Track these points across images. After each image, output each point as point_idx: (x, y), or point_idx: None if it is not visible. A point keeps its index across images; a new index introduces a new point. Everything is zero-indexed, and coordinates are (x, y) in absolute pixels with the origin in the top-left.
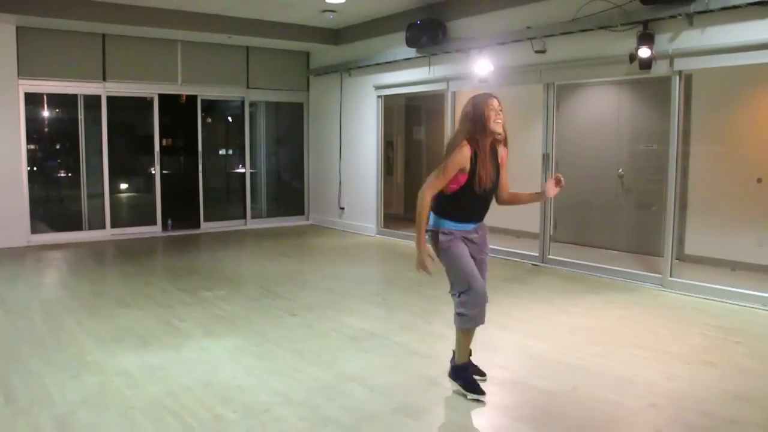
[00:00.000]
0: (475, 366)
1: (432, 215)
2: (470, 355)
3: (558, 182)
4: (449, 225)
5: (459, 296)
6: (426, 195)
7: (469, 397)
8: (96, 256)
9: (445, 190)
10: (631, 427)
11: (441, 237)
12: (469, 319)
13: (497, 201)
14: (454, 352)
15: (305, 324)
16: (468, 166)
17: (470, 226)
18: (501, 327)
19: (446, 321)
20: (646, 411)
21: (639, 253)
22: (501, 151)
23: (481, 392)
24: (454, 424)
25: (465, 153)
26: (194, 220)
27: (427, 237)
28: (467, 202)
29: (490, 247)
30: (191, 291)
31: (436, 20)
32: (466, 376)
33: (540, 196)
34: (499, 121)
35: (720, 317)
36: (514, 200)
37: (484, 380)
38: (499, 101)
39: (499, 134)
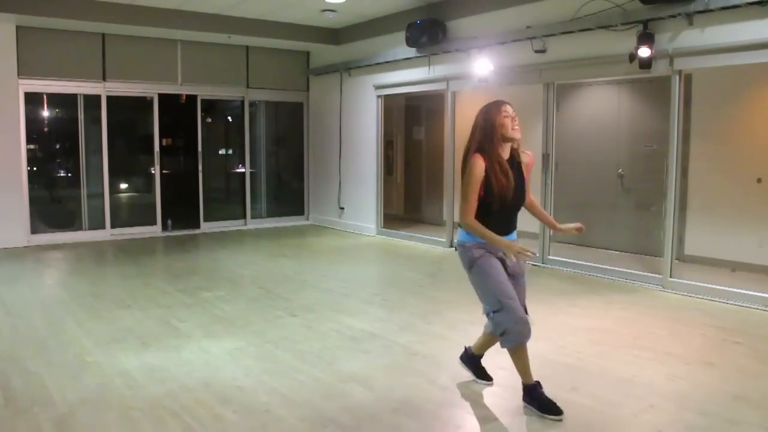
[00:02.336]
0: (483, 369)
1: (460, 231)
2: (481, 357)
3: (579, 230)
4: (478, 239)
5: (492, 315)
6: (468, 219)
7: (548, 418)
8: (96, 256)
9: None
10: (631, 427)
11: (473, 250)
12: (512, 337)
13: (530, 210)
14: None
15: (305, 324)
16: (482, 178)
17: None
18: None
19: (446, 322)
20: (646, 411)
21: (639, 254)
22: (525, 158)
23: (558, 412)
24: (453, 424)
25: (480, 166)
26: (194, 220)
27: (459, 251)
28: (489, 214)
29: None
30: (191, 291)
31: (436, 20)
32: (539, 396)
33: (554, 225)
34: (517, 127)
35: (720, 318)
36: (533, 209)
37: (491, 385)
38: (512, 107)
39: (517, 140)
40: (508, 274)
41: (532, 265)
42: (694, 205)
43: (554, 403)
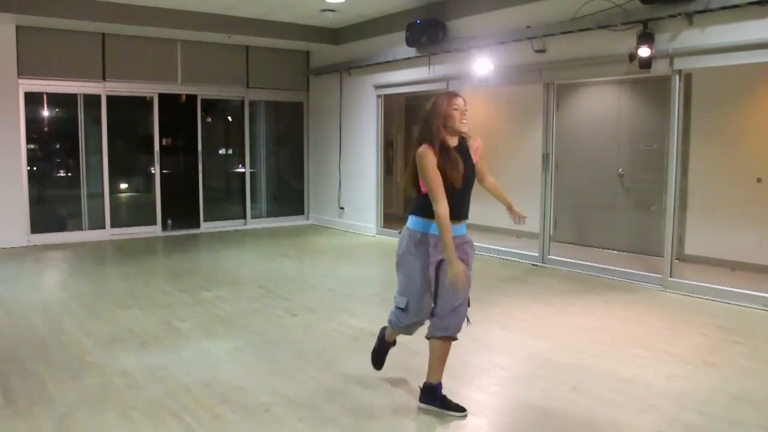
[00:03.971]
0: (450, 401)
1: (412, 217)
2: (394, 344)
3: (519, 217)
4: (422, 226)
5: (395, 308)
6: (441, 208)
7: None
8: (96, 256)
9: (418, 192)
10: (632, 427)
11: (415, 245)
12: (396, 328)
13: (481, 185)
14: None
15: (305, 324)
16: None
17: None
18: (501, 327)
19: None
20: (646, 411)
21: (639, 253)
22: (473, 143)
23: (462, 409)
24: (454, 424)
25: (430, 157)
26: (194, 220)
27: (403, 232)
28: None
29: (490, 247)
30: (191, 291)
31: (436, 20)
32: (441, 396)
33: (509, 206)
34: (465, 120)
35: (720, 317)
36: (493, 190)
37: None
38: (464, 100)
39: (465, 133)
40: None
41: (532, 265)
42: (694, 205)
43: (456, 403)
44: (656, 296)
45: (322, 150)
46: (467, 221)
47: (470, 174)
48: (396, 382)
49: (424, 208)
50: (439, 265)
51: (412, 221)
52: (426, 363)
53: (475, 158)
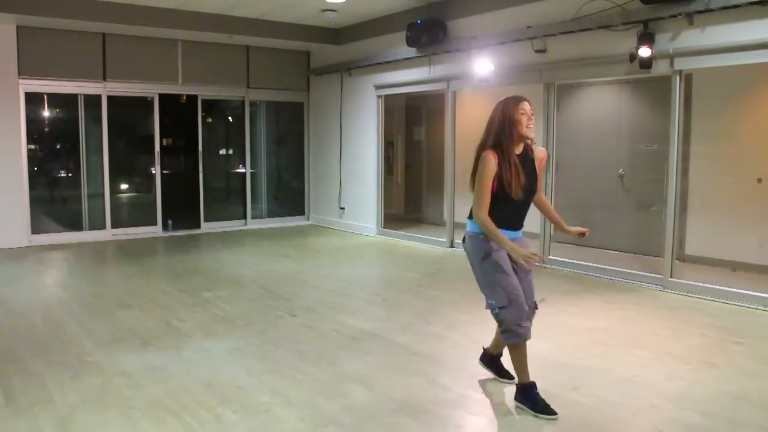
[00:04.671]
0: (504, 368)
1: (470, 222)
2: (500, 356)
3: (582, 235)
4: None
5: (498, 311)
6: (482, 215)
7: (542, 417)
8: (96, 256)
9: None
10: (632, 427)
11: (489, 242)
12: (514, 335)
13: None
14: (486, 350)
15: (305, 324)
16: (496, 174)
17: (508, 235)
18: None
19: (446, 322)
20: (647, 411)
21: (639, 254)
22: (538, 153)
23: (552, 412)
24: (454, 424)
25: (491, 164)
26: (195, 221)
27: (464, 242)
28: (499, 210)
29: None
30: (192, 291)
31: (436, 20)
32: (534, 396)
33: (561, 225)
34: (532, 126)
35: (720, 318)
36: (542, 207)
37: (513, 382)
38: (530, 104)
39: (530, 139)
40: (515, 270)
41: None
42: (695, 205)
43: (548, 405)
44: (656, 296)
45: (322, 150)
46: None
47: (532, 185)
48: (396, 382)
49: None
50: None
51: (471, 225)
52: (426, 363)
53: (539, 169)
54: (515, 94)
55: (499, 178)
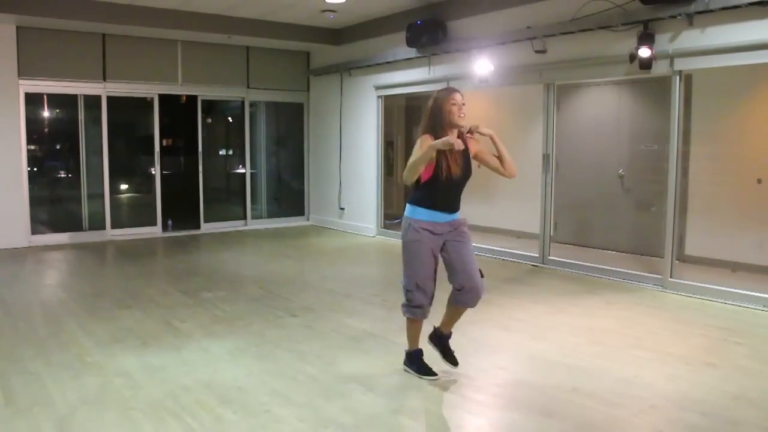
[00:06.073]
0: (450, 351)
1: (408, 205)
2: (449, 336)
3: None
4: (422, 214)
5: (405, 291)
6: (406, 173)
7: (424, 378)
8: (96, 256)
9: (418, 181)
10: (632, 427)
11: (410, 233)
12: (411, 311)
13: (507, 175)
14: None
15: (305, 325)
16: (433, 156)
17: (441, 217)
18: (501, 327)
19: None
20: (647, 412)
21: (639, 254)
22: (472, 144)
23: (433, 373)
24: (453, 425)
25: (427, 143)
26: (194, 221)
27: (402, 222)
28: (437, 190)
29: (490, 248)
30: (191, 292)
31: (436, 20)
32: (418, 360)
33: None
34: (462, 114)
35: (720, 318)
36: (507, 165)
37: (455, 368)
38: (461, 95)
39: (462, 127)
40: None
41: (532, 265)
42: (695, 206)
43: (430, 368)
44: (656, 297)
45: (322, 151)
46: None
47: (466, 167)
48: (396, 382)
49: (412, 198)
50: (443, 247)
51: (407, 210)
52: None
53: (471, 153)
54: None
55: (435, 162)
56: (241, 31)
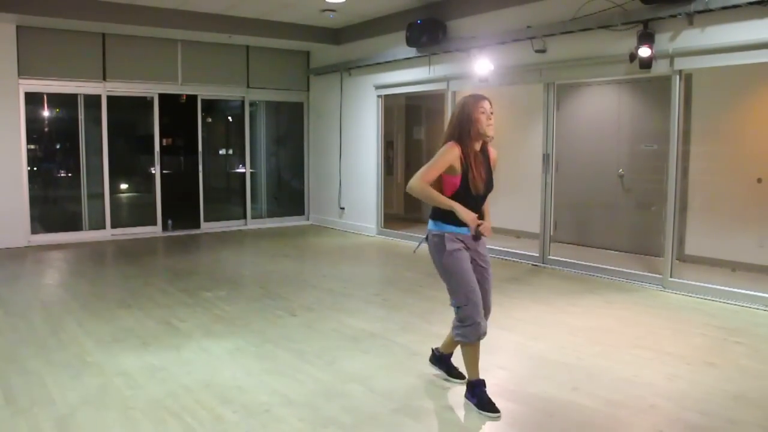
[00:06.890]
0: (455, 367)
1: (431, 222)
2: (451, 356)
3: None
4: (452, 229)
5: (456, 310)
6: (421, 183)
7: (483, 414)
8: (96, 256)
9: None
10: (632, 427)
11: (448, 244)
12: (468, 333)
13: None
14: (434, 350)
15: (305, 324)
16: (458, 167)
17: (467, 231)
18: (501, 327)
19: (446, 322)
20: (647, 411)
21: (639, 254)
22: (492, 153)
23: (495, 410)
24: (454, 424)
25: (455, 152)
26: (194, 221)
27: (428, 241)
28: (461, 203)
29: (491, 247)
30: (191, 291)
31: (436, 20)
32: (480, 393)
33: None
34: (491, 124)
35: (720, 318)
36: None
37: (463, 382)
38: (490, 103)
39: (490, 137)
40: (475, 267)
41: (532, 265)
42: (695, 205)
43: (493, 402)
44: (656, 296)
45: (322, 150)
46: None
47: (490, 182)
48: (396, 382)
49: (435, 213)
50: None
51: (431, 225)
52: (426, 363)
53: (493, 167)
54: (475, 93)
55: (463, 174)
56: (241, 31)
